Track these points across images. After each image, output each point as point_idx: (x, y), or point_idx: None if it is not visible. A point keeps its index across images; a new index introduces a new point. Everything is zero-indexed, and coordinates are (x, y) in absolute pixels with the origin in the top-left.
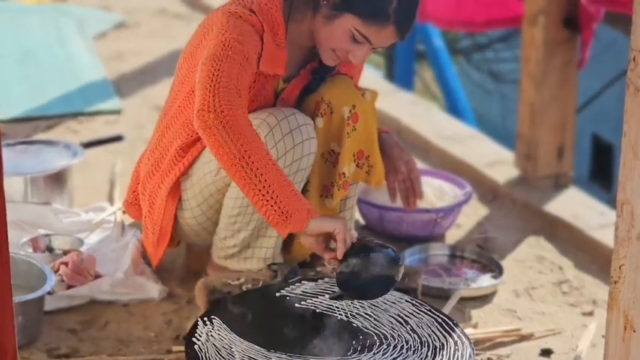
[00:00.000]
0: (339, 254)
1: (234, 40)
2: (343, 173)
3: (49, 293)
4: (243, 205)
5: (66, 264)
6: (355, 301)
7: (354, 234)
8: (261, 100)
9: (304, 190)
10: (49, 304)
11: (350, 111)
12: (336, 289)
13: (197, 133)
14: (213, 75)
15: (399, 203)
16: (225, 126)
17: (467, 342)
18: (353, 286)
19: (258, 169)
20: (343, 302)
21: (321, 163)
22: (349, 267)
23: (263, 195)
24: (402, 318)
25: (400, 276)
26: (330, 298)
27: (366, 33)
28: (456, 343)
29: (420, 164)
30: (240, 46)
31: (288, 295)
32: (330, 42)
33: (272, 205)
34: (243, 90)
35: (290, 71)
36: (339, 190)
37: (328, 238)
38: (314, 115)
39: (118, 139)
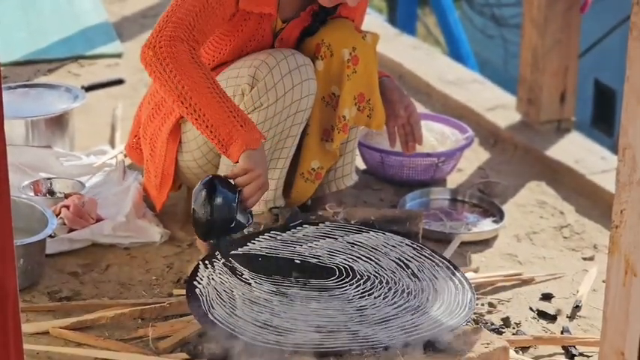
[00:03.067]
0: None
1: None
2: (343, 116)
3: (51, 236)
4: None
5: (67, 207)
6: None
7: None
8: (259, 39)
9: (304, 134)
10: (51, 248)
11: (350, 53)
12: (336, 233)
13: None
14: (170, 11)
15: (398, 147)
16: (162, 62)
17: (467, 286)
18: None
19: (196, 104)
20: (341, 246)
21: (322, 107)
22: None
23: (205, 128)
24: (402, 262)
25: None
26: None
27: None
28: (456, 288)
29: (421, 108)
30: None
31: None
32: None
33: (213, 138)
34: (201, 25)
35: (290, 12)
36: (339, 133)
37: None
38: (314, 58)
39: (119, 82)
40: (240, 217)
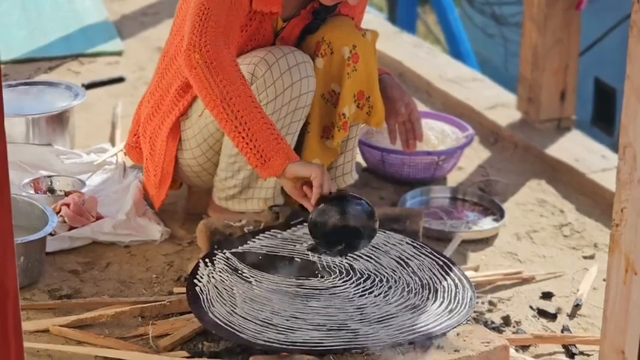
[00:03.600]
0: (313, 200)
1: None
2: (343, 114)
3: (51, 234)
4: None
5: (67, 205)
6: (325, 255)
7: (333, 185)
8: (259, 39)
9: (304, 132)
10: (51, 246)
11: (350, 51)
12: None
13: None
14: (203, 14)
15: (398, 145)
16: (210, 66)
17: (467, 285)
18: (324, 235)
19: (239, 111)
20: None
21: (322, 104)
22: (323, 214)
23: (243, 137)
24: (403, 260)
25: (374, 232)
26: (307, 249)
27: None
28: (456, 286)
29: (422, 107)
30: None
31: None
32: None
33: (251, 148)
34: (232, 31)
35: (290, 11)
36: (339, 131)
37: (308, 184)
38: (314, 56)
39: (119, 80)
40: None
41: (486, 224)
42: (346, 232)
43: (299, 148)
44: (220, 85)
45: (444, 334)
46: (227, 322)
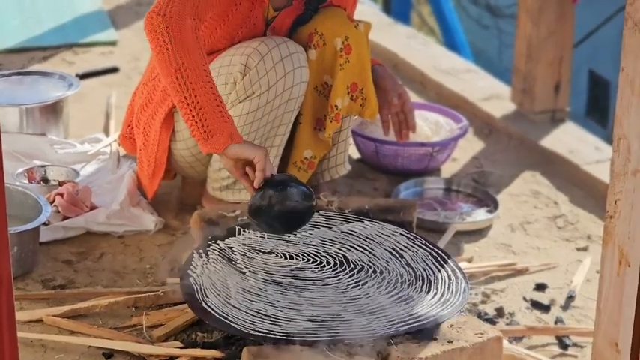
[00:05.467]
0: (256, 183)
1: None
2: (336, 105)
3: (45, 224)
4: None
5: (61, 195)
6: (262, 233)
7: (273, 169)
8: (250, 27)
9: (297, 123)
10: (45, 235)
11: (343, 42)
12: (331, 222)
13: None
14: None
15: (392, 136)
16: (170, 33)
17: (461, 276)
18: (264, 217)
19: (191, 82)
20: (334, 236)
21: (314, 96)
22: (264, 198)
23: (190, 110)
24: (396, 251)
25: (310, 215)
26: (237, 226)
27: None
28: (450, 277)
29: (416, 98)
30: None
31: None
32: None
33: (197, 122)
34: (204, 6)
35: (282, 1)
36: (331, 122)
37: (248, 165)
38: (307, 47)
39: (113, 70)
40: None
41: (480, 216)
42: (288, 216)
43: (291, 139)
44: (177, 54)
45: (438, 325)
46: (221, 313)
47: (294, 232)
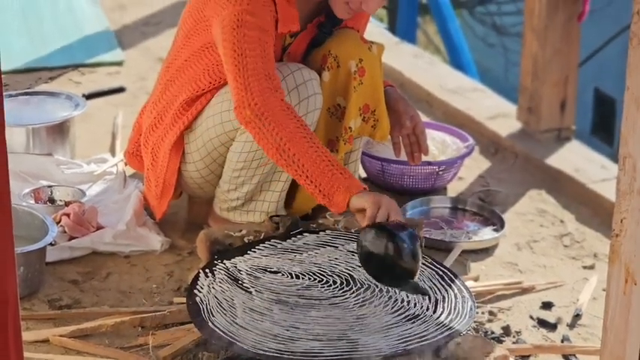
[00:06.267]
0: (362, 228)
1: (245, 12)
2: (349, 127)
3: (51, 244)
4: (247, 159)
5: (68, 215)
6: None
7: (399, 214)
8: None
9: None
10: (51, 255)
11: (357, 65)
12: (337, 241)
13: (203, 89)
14: (239, 63)
15: (403, 158)
16: (261, 118)
17: (468, 295)
18: (361, 256)
19: (294, 155)
20: (340, 255)
21: (327, 118)
22: (367, 244)
23: (305, 179)
24: None
25: (409, 273)
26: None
27: None
28: (456, 296)
29: (422, 117)
30: (252, 19)
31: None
32: None
33: (314, 188)
34: (269, 65)
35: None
36: (344, 144)
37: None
38: (320, 69)
39: (119, 90)
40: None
41: (486, 234)
42: (382, 262)
43: None
44: (274, 132)
45: (445, 343)
46: (227, 332)
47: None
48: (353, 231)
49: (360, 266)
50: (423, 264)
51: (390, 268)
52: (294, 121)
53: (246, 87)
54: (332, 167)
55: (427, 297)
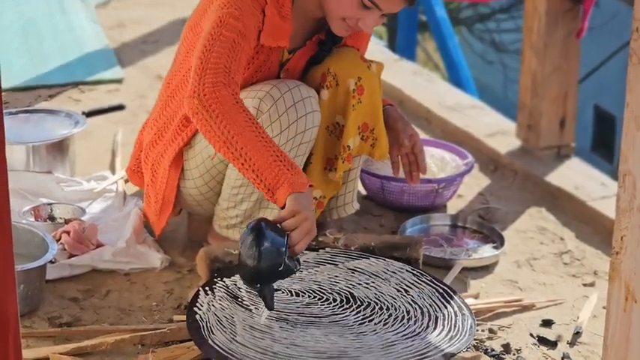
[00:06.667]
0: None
1: (229, 15)
2: (348, 146)
3: (51, 262)
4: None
5: (68, 233)
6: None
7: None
8: (265, 71)
9: (307, 163)
10: (51, 273)
11: (356, 83)
12: (337, 259)
13: None
14: (203, 56)
15: (401, 176)
16: (209, 109)
17: (468, 312)
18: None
19: (242, 148)
20: (340, 273)
21: (326, 136)
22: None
23: (250, 173)
24: (402, 288)
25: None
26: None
27: None
28: (456, 314)
29: (421, 134)
30: (234, 22)
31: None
32: (340, 10)
33: (259, 183)
34: (234, 64)
35: (296, 42)
36: (343, 162)
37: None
38: (319, 87)
39: (119, 108)
40: (288, 263)
41: (486, 252)
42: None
43: None
44: (221, 125)
45: None
46: (227, 350)
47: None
48: (352, 249)
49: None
50: (423, 282)
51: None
52: (242, 115)
53: (201, 78)
54: (279, 162)
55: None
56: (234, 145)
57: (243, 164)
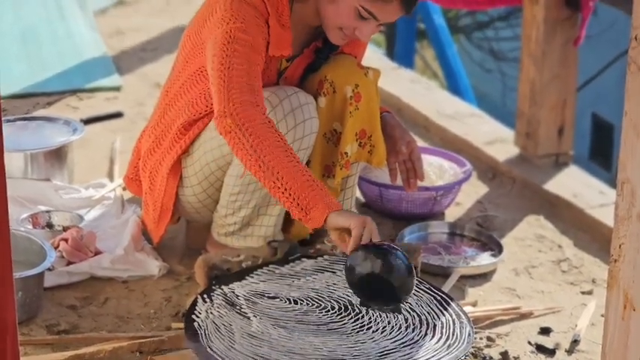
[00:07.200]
0: (349, 249)
1: (237, 29)
2: (345, 153)
3: (49, 269)
4: (244, 183)
5: (66, 240)
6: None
7: (377, 235)
8: (264, 79)
9: None
10: (49, 281)
11: (353, 90)
12: (335, 266)
13: (200, 113)
14: (224, 75)
15: (399, 184)
16: (242, 128)
17: (466, 320)
18: (355, 282)
19: (274, 167)
20: (338, 281)
21: (323, 143)
22: (357, 259)
23: (283, 193)
24: None
25: (409, 288)
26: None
27: (372, 9)
28: (454, 322)
29: (420, 142)
30: (244, 36)
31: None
32: (336, 20)
33: (292, 202)
34: (255, 80)
35: (294, 50)
36: (341, 169)
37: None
38: (317, 95)
39: (117, 115)
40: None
41: (484, 260)
42: (377, 283)
43: None
44: (254, 144)
45: None
46: (225, 358)
47: (390, 307)
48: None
49: (351, 291)
50: (421, 289)
51: (387, 288)
52: (274, 134)
53: (229, 98)
54: (312, 182)
55: (400, 315)
56: (266, 164)
57: (275, 183)
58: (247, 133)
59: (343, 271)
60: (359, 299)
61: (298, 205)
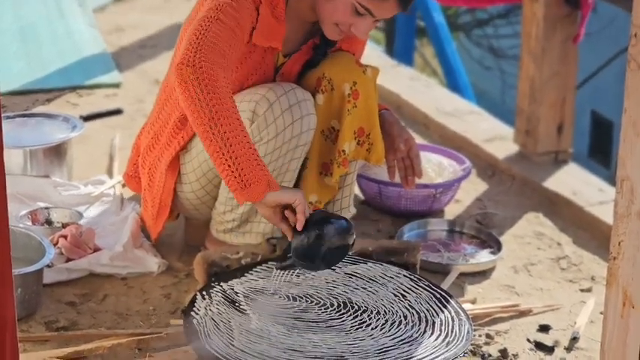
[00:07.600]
0: (299, 225)
1: (227, 4)
2: (343, 150)
3: (48, 266)
4: None
5: (65, 237)
6: (306, 271)
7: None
8: (260, 74)
9: (303, 167)
10: (48, 277)
11: (351, 88)
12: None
13: None
14: (200, 33)
15: (397, 180)
16: (201, 83)
17: (465, 317)
18: (309, 257)
19: (225, 132)
20: (337, 278)
21: (321, 141)
22: (308, 238)
23: (226, 159)
24: (400, 293)
25: (352, 245)
26: (277, 268)
27: (368, 5)
28: (453, 319)
29: (419, 140)
30: (233, 11)
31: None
32: (333, 16)
33: (232, 172)
34: (230, 54)
35: (291, 46)
36: (338, 167)
37: (284, 209)
38: (315, 92)
39: (117, 112)
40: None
41: (484, 257)
42: (335, 252)
43: (297, 184)
44: (210, 103)
45: None
46: (224, 355)
47: (335, 267)
48: (350, 253)
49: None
50: (421, 287)
51: (344, 248)
52: (232, 102)
53: (197, 49)
54: (259, 161)
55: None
56: (218, 127)
57: (221, 148)
58: (206, 90)
59: (297, 245)
60: (309, 268)
61: (240, 176)
